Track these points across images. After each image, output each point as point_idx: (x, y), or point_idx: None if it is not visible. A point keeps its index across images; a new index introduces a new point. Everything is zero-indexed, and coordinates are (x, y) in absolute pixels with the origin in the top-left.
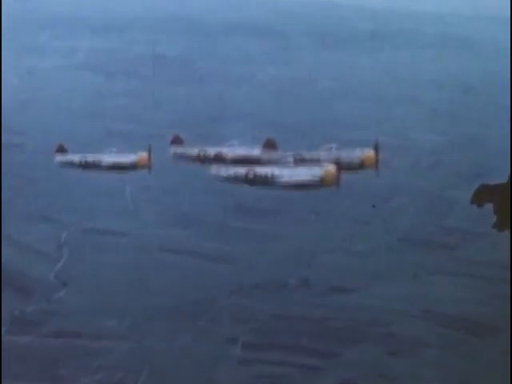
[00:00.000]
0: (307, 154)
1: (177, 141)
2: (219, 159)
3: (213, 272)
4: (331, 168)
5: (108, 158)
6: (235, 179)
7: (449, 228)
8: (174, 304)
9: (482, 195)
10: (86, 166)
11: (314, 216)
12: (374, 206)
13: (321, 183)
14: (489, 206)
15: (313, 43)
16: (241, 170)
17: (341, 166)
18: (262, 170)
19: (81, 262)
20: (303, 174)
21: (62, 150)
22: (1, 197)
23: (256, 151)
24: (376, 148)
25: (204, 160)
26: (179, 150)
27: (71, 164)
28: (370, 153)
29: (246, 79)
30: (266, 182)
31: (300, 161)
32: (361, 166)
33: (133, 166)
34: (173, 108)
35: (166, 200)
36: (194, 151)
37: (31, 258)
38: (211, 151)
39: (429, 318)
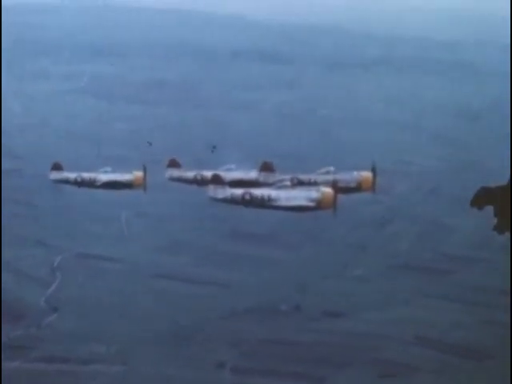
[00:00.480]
0: (305, 177)
1: (173, 164)
2: (216, 181)
3: (205, 297)
4: (328, 191)
5: (104, 176)
6: (231, 201)
7: (446, 254)
8: (164, 329)
9: (482, 198)
10: (81, 183)
11: (310, 241)
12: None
13: (317, 206)
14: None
15: (317, 69)
16: (237, 192)
17: (338, 189)
18: (258, 192)
19: (73, 286)
20: (300, 196)
21: (57, 167)
22: (1, 223)
23: (253, 174)
24: (373, 170)
25: (201, 183)
26: (175, 173)
27: (66, 181)
28: (367, 175)
29: (248, 105)
30: (263, 203)
31: (297, 183)
32: (358, 188)
33: (128, 185)
34: (173, 134)
35: (161, 226)
36: (191, 174)
37: (24, 282)
38: (208, 174)
39: (422, 343)
